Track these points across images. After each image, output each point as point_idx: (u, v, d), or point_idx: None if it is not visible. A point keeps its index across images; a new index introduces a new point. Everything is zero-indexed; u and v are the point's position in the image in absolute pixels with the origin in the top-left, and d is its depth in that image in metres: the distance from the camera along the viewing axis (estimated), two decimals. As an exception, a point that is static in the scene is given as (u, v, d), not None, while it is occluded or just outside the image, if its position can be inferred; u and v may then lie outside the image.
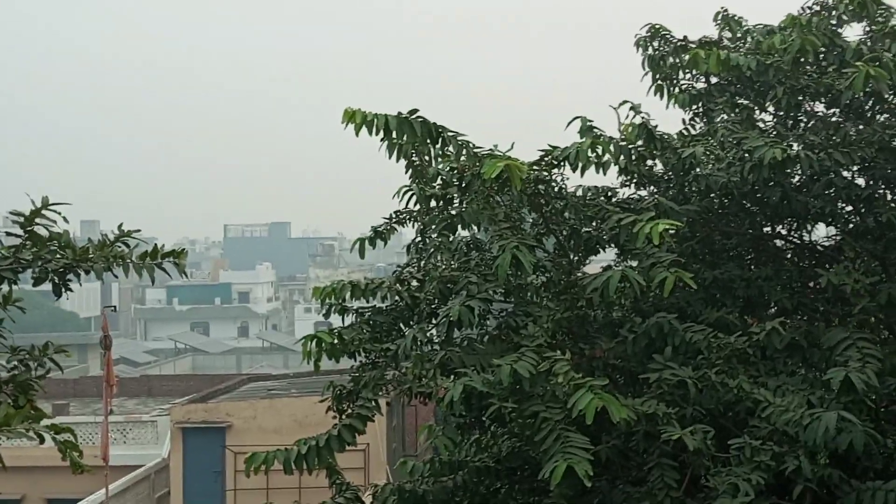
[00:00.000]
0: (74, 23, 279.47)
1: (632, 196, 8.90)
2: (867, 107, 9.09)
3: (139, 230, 6.73)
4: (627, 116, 8.69)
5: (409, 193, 8.62)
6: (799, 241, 9.76)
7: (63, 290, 6.43)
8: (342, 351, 8.46)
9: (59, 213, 6.43)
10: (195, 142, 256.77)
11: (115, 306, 34.70)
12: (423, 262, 9.37)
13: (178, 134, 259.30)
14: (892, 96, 8.87)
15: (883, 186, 9.15)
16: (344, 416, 8.29)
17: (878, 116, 9.11)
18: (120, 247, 6.52)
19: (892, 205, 9.02)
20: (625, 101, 8.74)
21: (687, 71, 9.91)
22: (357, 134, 7.63)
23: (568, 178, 8.29)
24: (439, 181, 8.37)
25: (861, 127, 8.82)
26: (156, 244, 6.73)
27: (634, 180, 9.13)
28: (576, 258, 8.60)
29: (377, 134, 7.74)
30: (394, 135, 7.78)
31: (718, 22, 10.44)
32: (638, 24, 10.15)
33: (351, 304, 8.96)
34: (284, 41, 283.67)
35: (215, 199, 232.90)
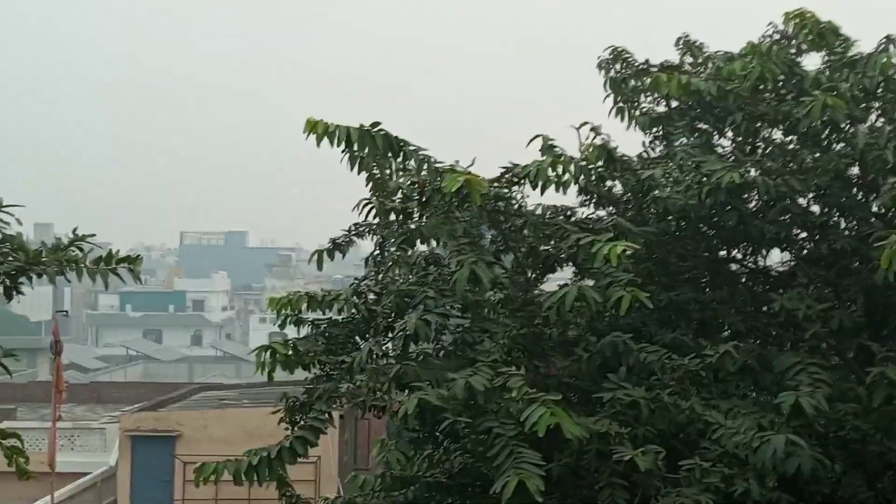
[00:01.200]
0: (25, 12, 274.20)
1: (590, 216, 8.95)
2: (824, 135, 9.21)
3: (94, 234, 6.66)
4: (588, 137, 8.76)
5: (369, 206, 8.60)
6: (753, 266, 9.86)
7: (14, 293, 6.36)
8: (297, 362, 8.42)
9: (13, 215, 6.36)
10: (153, 148, 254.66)
11: (66, 311, 34.27)
12: (380, 276, 9.35)
13: (136, 139, 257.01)
14: (847, 125, 9.00)
15: (837, 214, 9.28)
16: (296, 428, 8.23)
17: (834, 145, 9.24)
18: (74, 251, 6.46)
19: (846, 232, 9.16)
20: (585, 122, 8.81)
21: (648, 94, 10.01)
22: (318, 144, 7.61)
23: (528, 196, 8.33)
24: (399, 195, 8.36)
25: (817, 155, 8.95)
26: (110, 249, 6.68)
27: (593, 200, 9.19)
28: (533, 276, 8.63)
29: (339, 145, 7.72)
30: (355, 147, 7.77)
31: (680, 47, 10.55)
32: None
33: (307, 315, 8.93)
34: (247, 49, 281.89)
35: (172, 205, 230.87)
